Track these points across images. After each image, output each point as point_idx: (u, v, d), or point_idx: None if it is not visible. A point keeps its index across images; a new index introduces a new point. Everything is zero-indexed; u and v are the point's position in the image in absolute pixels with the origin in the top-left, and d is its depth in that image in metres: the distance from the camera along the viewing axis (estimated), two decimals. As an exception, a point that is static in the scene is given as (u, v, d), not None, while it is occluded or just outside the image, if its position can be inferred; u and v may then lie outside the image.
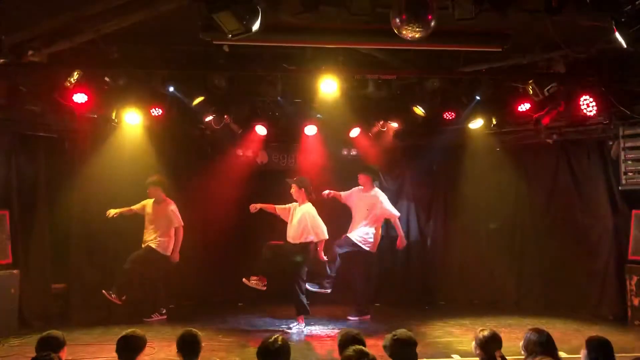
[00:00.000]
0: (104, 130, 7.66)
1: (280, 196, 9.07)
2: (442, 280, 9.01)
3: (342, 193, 7.72)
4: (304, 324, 6.86)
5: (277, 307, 8.03)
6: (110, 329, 6.54)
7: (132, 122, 7.39)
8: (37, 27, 5.50)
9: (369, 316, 7.58)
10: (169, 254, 7.61)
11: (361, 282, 7.76)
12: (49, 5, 5.23)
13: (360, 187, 7.73)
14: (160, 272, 7.72)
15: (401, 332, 3.60)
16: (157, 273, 7.69)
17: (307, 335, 6.65)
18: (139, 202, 7.99)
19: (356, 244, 7.44)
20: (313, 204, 7.15)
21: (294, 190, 7.05)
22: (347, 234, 7.52)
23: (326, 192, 7.53)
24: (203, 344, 3.84)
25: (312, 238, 6.86)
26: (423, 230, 9.19)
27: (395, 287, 8.95)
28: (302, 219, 6.91)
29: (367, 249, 7.48)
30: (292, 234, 6.98)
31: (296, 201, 7.13)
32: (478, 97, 7.25)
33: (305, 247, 6.88)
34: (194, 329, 3.85)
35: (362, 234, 7.48)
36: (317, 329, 6.94)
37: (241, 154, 8.93)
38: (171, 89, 7.05)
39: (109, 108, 7.25)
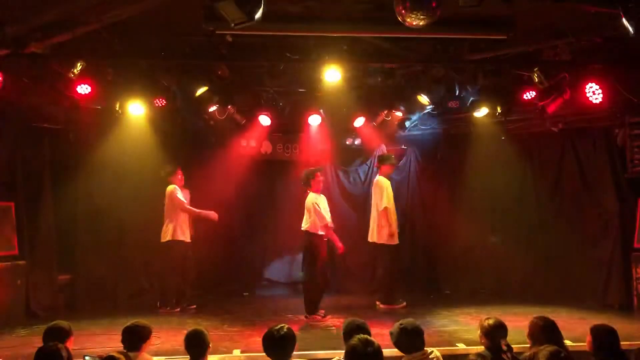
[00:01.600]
0: (107, 122, 7.66)
1: (284, 186, 9.10)
2: (448, 269, 9.01)
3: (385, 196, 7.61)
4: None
5: (283, 297, 8.06)
6: (116, 320, 6.55)
7: (136, 113, 7.38)
8: (39, 17, 5.48)
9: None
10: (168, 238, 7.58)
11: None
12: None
13: (380, 177, 7.78)
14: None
15: (407, 321, 3.60)
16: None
17: (312, 324, 6.66)
18: (142, 192, 8.03)
19: None
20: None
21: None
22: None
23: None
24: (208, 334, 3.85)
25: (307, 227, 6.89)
26: (428, 219, 9.19)
27: (400, 276, 8.96)
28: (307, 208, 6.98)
29: None
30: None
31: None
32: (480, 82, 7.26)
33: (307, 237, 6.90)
34: (201, 327, 3.86)
35: None
36: (322, 319, 6.94)
37: (245, 144, 8.93)
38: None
39: (113, 99, 7.23)
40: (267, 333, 3.45)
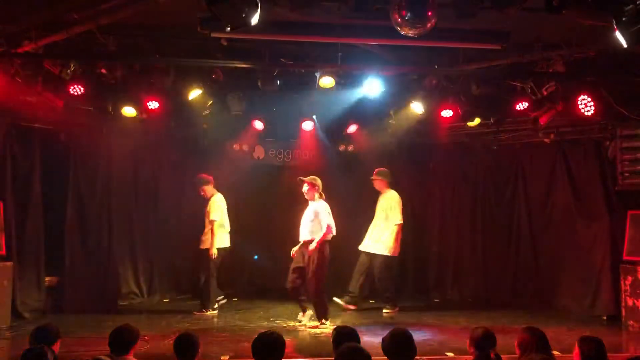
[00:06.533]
0: (100, 123, 7.62)
1: (276, 192, 9.08)
2: (437, 278, 9.02)
3: None
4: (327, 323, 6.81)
5: (273, 303, 8.03)
6: (104, 322, 6.51)
7: (128, 114, 7.33)
8: (33, 17, 5.45)
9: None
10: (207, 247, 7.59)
11: None
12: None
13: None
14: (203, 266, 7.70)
15: (398, 329, 3.59)
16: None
17: (301, 332, 6.64)
18: (132, 195, 7.99)
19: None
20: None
21: (307, 187, 6.96)
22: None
23: None
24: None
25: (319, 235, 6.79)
26: (418, 228, 9.19)
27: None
28: (309, 216, 6.89)
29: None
30: (302, 232, 6.92)
31: (309, 199, 7.02)
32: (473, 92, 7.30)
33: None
34: (191, 331, 3.84)
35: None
36: (311, 326, 6.91)
37: (238, 148, 8.90)
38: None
39: (105, 100, 7.20)
40: (256, 339, 3.43)
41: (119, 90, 7.03)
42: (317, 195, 6.94)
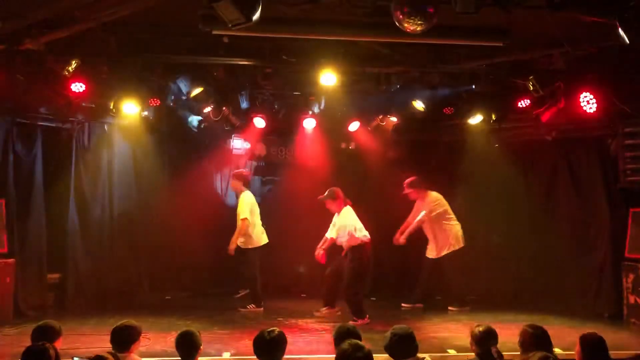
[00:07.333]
0: (101, 120, 7.62)
1: (277, 189, 9.09)
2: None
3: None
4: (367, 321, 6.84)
5: (274, 300, 8.04)
6: (106, 320, 6.52)
7: (130, 112, 7.34)
8: (35, 14, 5.45)
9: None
10: (247, 247, 7.66)
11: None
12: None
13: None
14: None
15: (400, 327, 3.60)
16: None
17: (303, 329, 6.64)
18: (133, 193, 8.01)
19: None
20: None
21: (328, 204, 7.08)
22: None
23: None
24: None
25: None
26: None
27: (392, 282, 8.97)
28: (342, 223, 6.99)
29: None
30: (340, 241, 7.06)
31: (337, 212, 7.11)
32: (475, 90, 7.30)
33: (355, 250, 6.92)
34: (193, 328, 3.85)
35: None
36: (313, 323, 6.93)
37: (239, 146, 8.90)
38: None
39: (107, 98, 7.21)
40: (257, 336, 3.44)
41: (120, 88, 7.04)
42: (342, 203, 7.04)
